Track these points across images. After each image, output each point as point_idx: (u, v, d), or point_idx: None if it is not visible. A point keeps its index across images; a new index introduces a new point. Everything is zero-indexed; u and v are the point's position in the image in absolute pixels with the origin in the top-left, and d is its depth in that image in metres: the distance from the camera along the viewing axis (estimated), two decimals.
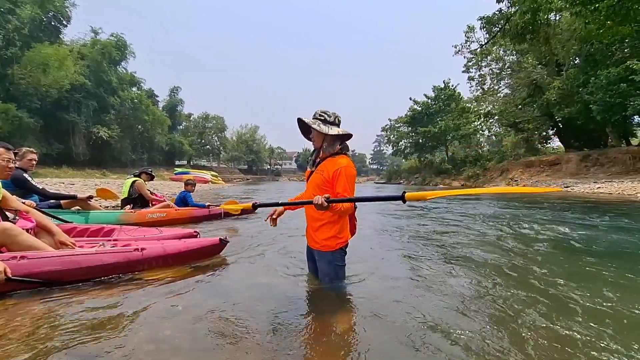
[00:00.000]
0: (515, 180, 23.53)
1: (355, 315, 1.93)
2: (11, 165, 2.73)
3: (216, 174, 34.12)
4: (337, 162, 2.05)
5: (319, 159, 2.16)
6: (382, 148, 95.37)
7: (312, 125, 2.07)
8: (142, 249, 2.63)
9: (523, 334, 1.69)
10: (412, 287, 2.44)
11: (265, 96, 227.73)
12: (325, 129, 2.06)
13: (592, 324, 1.79)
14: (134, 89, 38.69)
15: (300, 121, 2.15)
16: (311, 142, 2.21)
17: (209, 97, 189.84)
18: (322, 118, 2.11)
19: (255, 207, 2.32)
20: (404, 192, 1.82)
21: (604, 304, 2.09)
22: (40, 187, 4.11)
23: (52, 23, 29.50)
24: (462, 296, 2.23)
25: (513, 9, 17.35)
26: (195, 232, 3.64)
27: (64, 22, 30.38)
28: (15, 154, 3.88)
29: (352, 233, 2.27)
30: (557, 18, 20.78)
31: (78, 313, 1.89)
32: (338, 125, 2.14)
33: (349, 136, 2.15)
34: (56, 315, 1.86)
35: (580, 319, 1.86)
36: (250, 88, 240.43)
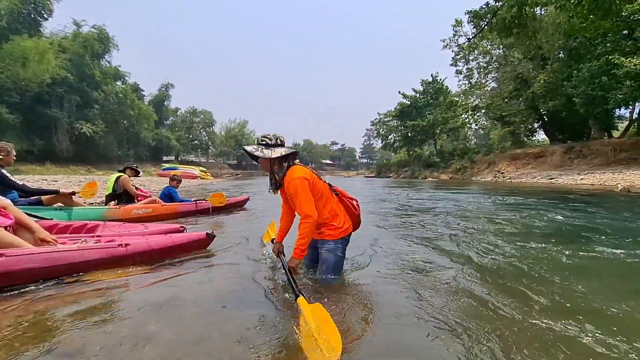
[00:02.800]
0: (502, 173, 23.94)
1: (349, 306, 1.94)
2: None
3: (205, 169, 33.72)
4: (287, 178, 2.13)
5: (278, 183, 2.23)
6: (371, 142, 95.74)
7: (255, 153, 2.14)
8: (126, 245, 2.59)
9: (523, 331, 1.67)
10: (407, 279, 2.44)
11: (257, 92, 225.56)
12: (268, 153, 2.13)
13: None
14: (119, 83, 37.69)
15: (246, 151, 2.21)
16: (259, 166, 2.27)
17: (201, 93, 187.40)
18: (264, 143, 2.17)
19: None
20: (298, 296, 1.79)
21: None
22: (21, 183, 4.00)
23: (32, 15, 28.42)
24: (457, 290, 2.23)
25: (500, 3, 17.53)
26: (181, 227, 3.60)
27: (45, 15, 29.30)
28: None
29: (356, 227, 2.43)
30: (543, 12, 21.04)
31: (60, 310, 1.85)
32: (282, 145, 2.19)
33: (295, 153, 2.22)
34: (37, 312, 1.82)
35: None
36: (242, 84, 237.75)
